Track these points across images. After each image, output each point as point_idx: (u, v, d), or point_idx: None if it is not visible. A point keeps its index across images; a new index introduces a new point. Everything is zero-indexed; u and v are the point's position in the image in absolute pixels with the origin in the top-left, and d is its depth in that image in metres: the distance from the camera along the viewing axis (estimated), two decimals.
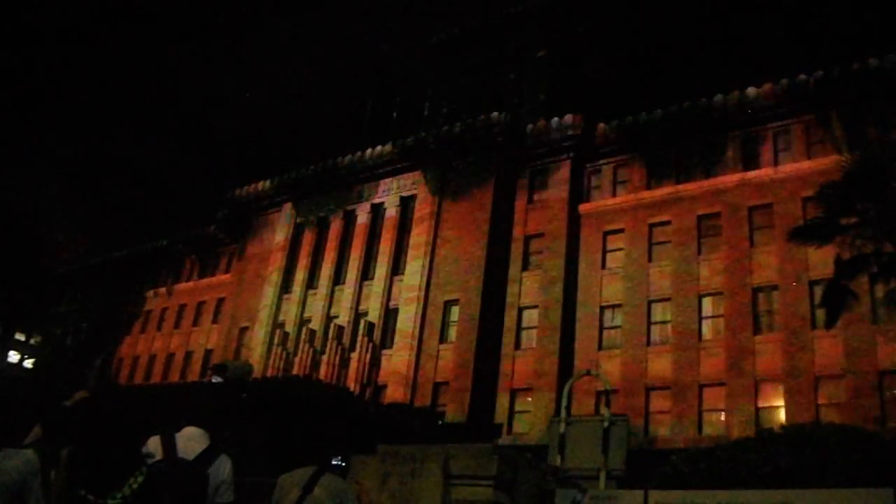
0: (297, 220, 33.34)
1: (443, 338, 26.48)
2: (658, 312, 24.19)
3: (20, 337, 45.02)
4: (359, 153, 31.72)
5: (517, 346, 25.70)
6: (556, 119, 27.96)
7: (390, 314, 28.31)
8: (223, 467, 4.30)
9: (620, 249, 25.71)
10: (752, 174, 24.23)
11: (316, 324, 29.97)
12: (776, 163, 24.13)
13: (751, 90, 25.03)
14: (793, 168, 23.52)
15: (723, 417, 21.81)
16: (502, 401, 24.99)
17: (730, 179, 24.48)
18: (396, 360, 26.86)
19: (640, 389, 23.10)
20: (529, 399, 24.59)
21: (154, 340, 37.43)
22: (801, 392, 20.77)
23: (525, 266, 26.83)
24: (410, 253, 28.67)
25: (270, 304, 32.01)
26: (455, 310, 26.63)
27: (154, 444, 4.16)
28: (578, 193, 27.19)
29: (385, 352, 27.61)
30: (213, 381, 15.77)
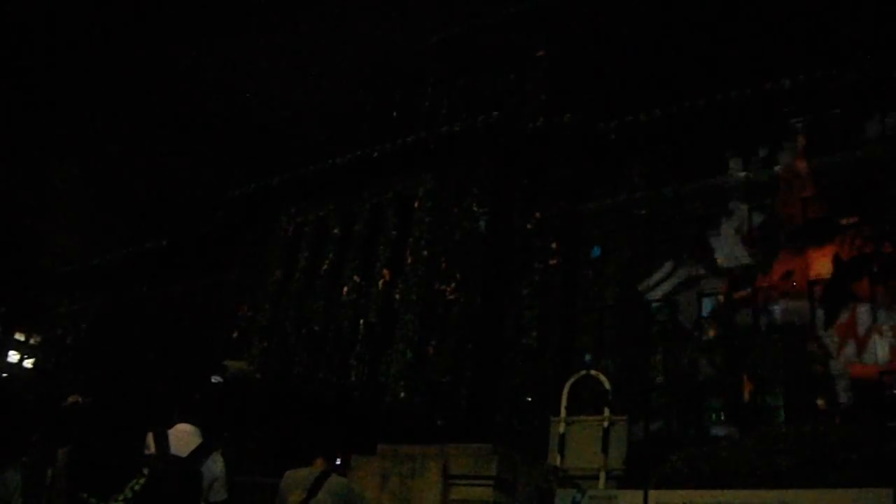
0: (297, 220, 33.32)
1: (442, 338, 26.47)
2: (658, 312, 24.19)
3: (20, 337, 44.99)
4: (358, 152, 31.69)
5: (517, 345, 25.68)
6: (556, 119, 27.94)
7: (390, 314, 28.30)
8: (215, 464, 4.29)
9: (620, 249, 25.70)
10: (752, 174, 24.21)
11: (316, 324, 29.97)
12: (777, 162, 24.11)
13: (749, 90, 25.01)
14: (794, 168, 23.50)
15: (723, 417, 21.81)
16: (502, 400, 24.98)
17: (729, 179, 24.47)
18: (396, 360, 26.85)
19: (640, 389, 23.09)
20: (529, 399, 24.57)
21: None
22: (802, 392, 20.77)
23: (525, 265, 26.81)
24: (410, 252, 28.66)
25: (270, 303, 32.00)
26: (455, 309, 26.62)
27: (147, 441, 4.16)
28: (578, 193, 27.17)
29: (385, 352, 27.61)
30: (213, 380, 15.77)
